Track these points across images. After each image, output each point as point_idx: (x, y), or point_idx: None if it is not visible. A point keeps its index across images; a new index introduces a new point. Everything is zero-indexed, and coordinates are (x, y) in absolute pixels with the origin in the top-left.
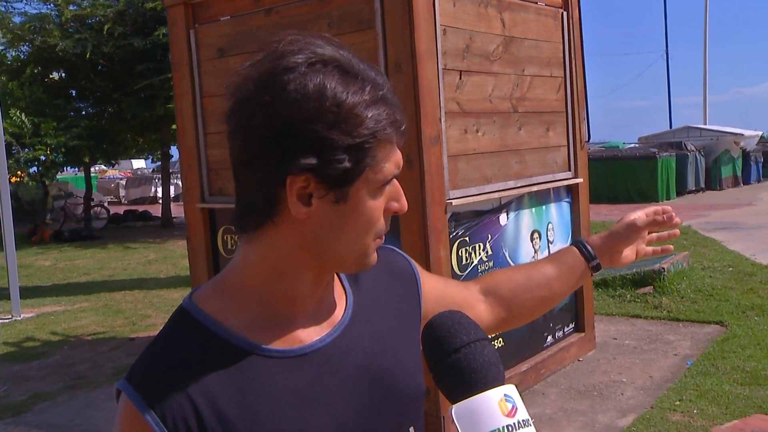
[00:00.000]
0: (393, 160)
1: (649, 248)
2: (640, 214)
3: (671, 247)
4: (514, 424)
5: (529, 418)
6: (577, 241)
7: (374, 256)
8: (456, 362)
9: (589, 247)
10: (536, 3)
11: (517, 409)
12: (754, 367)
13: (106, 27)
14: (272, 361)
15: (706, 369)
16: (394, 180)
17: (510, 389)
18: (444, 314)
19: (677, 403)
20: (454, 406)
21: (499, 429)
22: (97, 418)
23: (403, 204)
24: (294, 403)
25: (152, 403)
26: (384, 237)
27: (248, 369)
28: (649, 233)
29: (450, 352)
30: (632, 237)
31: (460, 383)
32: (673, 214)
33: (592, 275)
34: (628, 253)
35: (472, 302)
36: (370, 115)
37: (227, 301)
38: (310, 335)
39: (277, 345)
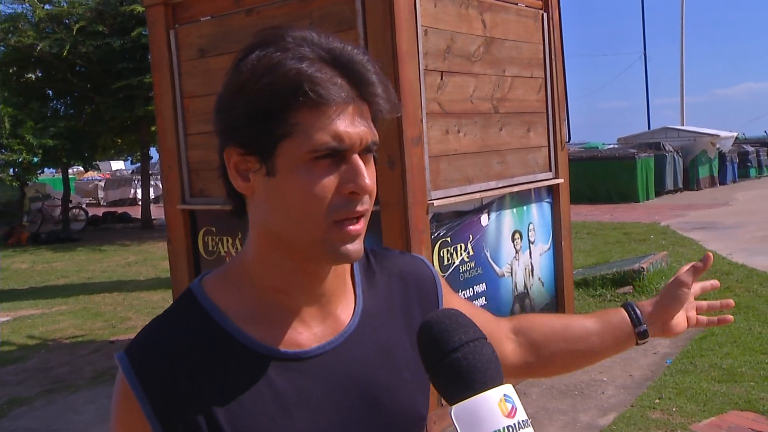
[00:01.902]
0: (328, 130)
1: (703, 318)
2: (682, 271)
3: (730, 317)
4: (514, 424)
5: (528, 419)
6: (627, 304)
7: (348, 246)
8: (455, 362)
9: (638, 311)
10: (516, 4)
11: (516, 409)
12: (731, 365)
13: (76, 26)
14: (264, 359)
15: (684, 367)
16: (354, 157)
17: (509, 389)
18: (441, 312)
19: (657, 401)
20: (453, 407)
21: (499, 430)
22: (77, 422)
23: (360, 184)
24: (278, 404)
25: (142, 378)
26: (357, 222)
27: (240, 362)
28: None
29: (448, 351)
30: (681, 296)
31: (459, 383)
32: (710, 255)
33: (637, 342)
34: (680, 320)
35: (500, 338)
36: (279, 76)
37: (230, 289)
38: (309, 340)
39: (273, 344)
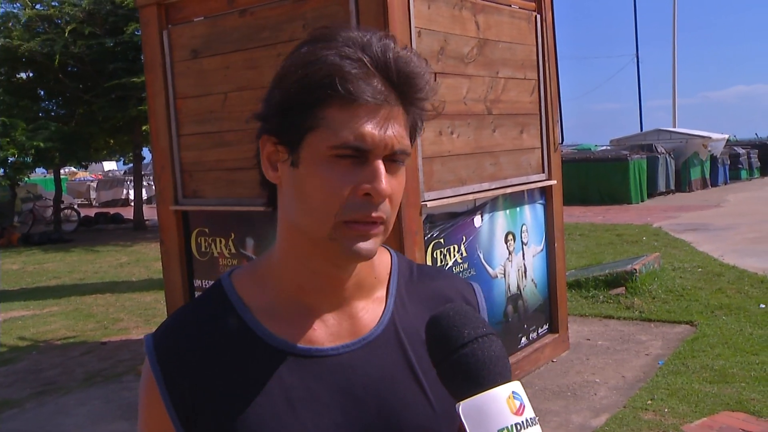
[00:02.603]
0: (353, 129)
1: None
2: None
3: None
4: (522, 422)
5: (536, 416)
6: None
7: (360, 245)
8: (463, 358)
9: None
10: (510, 6)
11: (525, 406)
12: (723, 366)
13: (68, 28)
14: (277, 353)
15: (676, 368)
16: (376, 161)
17: (517, 386)
18: (450, 307)
19: (649, 402)
20: (461, 403)
21: (507, 427)
22: (67, 425)
23: (376, 186)
24: (284, 399)
25: (162, 362)
26: (370, 225)
27: (254, 354)
28: None
29: (457, 347)
30: None
31: (467, 380)
32: None
33: None
34: None
35: None
36: (316, 65)
37: (256, 283)
38: (323, 338)
39: (288, 338)
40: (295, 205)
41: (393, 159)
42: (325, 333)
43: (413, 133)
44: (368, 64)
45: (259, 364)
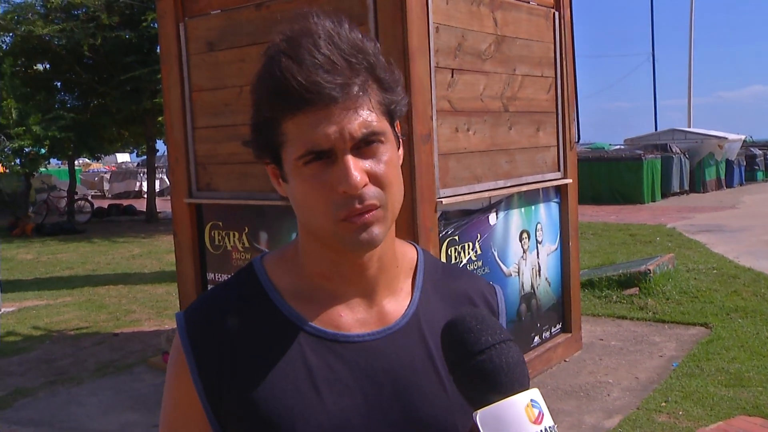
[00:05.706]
0: (307, 135)
1: None
2: None
3: None
4: (541, 431)
5: (555, 425)
6: None
7: (362, 236)
8: (480, 364)
9: None
10: (528, 2)
11: (543, 415)
12: (738, 369)
13: (104, 17)
14: (304, 334)
15: (691, 370)
16: (344, 158)
17: (535, 393)
18: (466, 312)
19: (663, 404)
20: (478, 411)
21: None
22: (79, 414)
23: (349, 182)
24: (308, 379)
25: (192, 339)
26: (365, 214)
27: (281, 334)
28: None
29: (474, 353)
30: None
31: (484, 387)
32: None
33: None
34: None
35: None
36: (262, 90)
37: (284, 268)
38: (349, 325)
39: (315, 322)
40: (299, 212)
41: (367, 142)
42: (351, 320)
43: (390, 108)
44: (318, 62)
45: (285, 344)
